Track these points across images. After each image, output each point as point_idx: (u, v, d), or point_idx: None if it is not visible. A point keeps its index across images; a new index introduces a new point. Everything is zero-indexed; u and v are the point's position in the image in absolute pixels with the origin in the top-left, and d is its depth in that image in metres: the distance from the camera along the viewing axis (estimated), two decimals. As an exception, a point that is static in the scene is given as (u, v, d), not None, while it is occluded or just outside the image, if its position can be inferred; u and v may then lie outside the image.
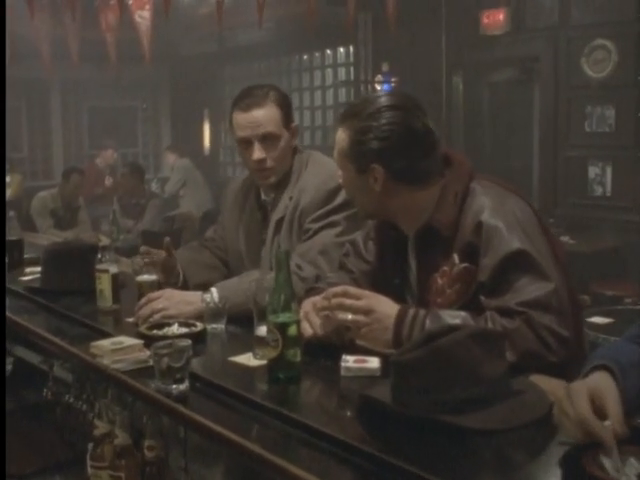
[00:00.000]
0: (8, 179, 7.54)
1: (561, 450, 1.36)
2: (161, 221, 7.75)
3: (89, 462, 1.92)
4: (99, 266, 2.43)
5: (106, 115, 11.21)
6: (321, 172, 2.48)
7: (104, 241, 2.48)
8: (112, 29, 7.83)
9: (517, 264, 1.79)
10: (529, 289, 1.76)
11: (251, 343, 1.94)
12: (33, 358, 2.50)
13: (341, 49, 9.20)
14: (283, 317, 1.71)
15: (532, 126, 7.06)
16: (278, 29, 8.84)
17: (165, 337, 2.00)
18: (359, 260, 2.18)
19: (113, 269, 2.43)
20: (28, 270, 3.06)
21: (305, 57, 9.85)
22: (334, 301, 1.86)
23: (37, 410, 2.49)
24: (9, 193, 7.54)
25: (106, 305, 2.44)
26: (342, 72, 9.25)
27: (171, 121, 11.76)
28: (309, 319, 1.91)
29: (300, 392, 1.77)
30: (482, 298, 1.83)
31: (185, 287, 2.52)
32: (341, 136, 1.97)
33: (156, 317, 2.19)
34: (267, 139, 2.46)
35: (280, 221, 2.51)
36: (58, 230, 6.78)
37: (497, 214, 1.86)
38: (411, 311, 1.84)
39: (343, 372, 1.76)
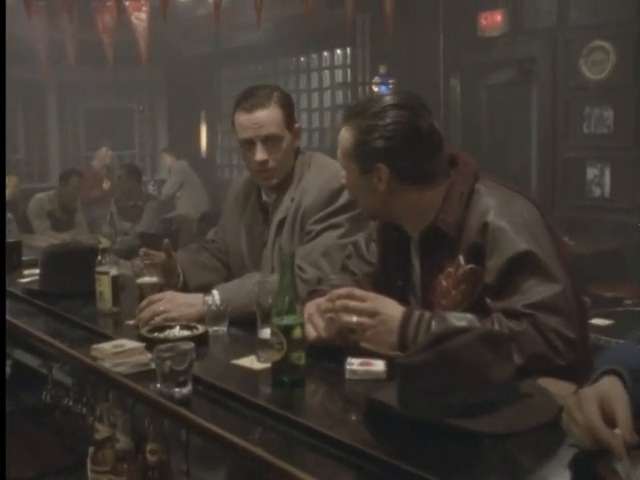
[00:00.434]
0: (5, 180, 7.51)
1: (570, 454, 1.34)
2: (159, 223, 7.74)
3: (90, 466, 1.90)
4: (99, 268, 2.41)
5: (103, 117, 11.19)
6: (323, 173, 2.46)
7: (104, 243, 2.45)
8: (109, 30, 7.79)
9: (524, 265, 1.77)
10: (536, 291, 1.75)
11: (254, 346, 1.92)
12: (32, 361, 2.48)
13: (338, 51, 9.19)
14: (288, 319, 1.69)
15: (530, 128, 7.05)
16: (275, 31, 8.83)
17: (167, 340, 1.98)
18: (361, 262, 2.16)
19: (113, 271, 2.41)
20: (26, 272, 3.04)
21: (302, 59, 9.83)
22: (338, 303, 1.84)
23: (36, 413, 2.47)
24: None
25: (106, 307, 2.41)
26: (339, 74, 9.23)
27: (168, 123, 11.73)
28: (313, 321, 1.89)
29: (305, 395, 1.75)
30: (488, 300, 1.81)
31: (185, 289, 2.50)
32: (345, 135, 1.95)
33: (157, 320, 2.17)
34: (270, 140, 2.44)
35: (282, 222, 2.50)
36: (55, 232, 6.75)
37: (503, 215, 1.84)
38: (416, 313, 1.83)
39: (348, 375, 1.74)
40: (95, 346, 1.95)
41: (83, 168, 8.90)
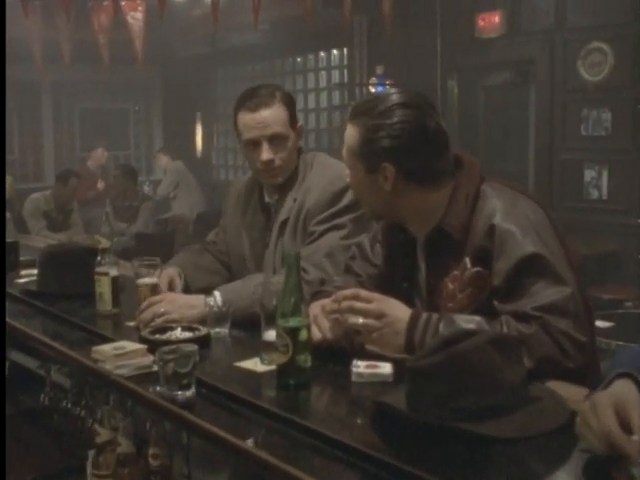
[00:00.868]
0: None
1: (582, 459, 1.33)
2: (154, 224, 7.71)
3: (90, 470, 1.87)
4: (99, 269, 2.38)
5: (98, 117, 11.14)
6: (326, 173, 2.43)
7: (104, 243, 2.43)
8: (105, 30, 7.76)
9: (532, 268, 1.75)
10: (545, 293, 1.72)
11: (256, 348, 1.90)
12: (29, 363, 2.45)
13: (335, 51, 9.17)
14: (293, 321, 1.67)
15: (528, 129, 7.04)
16: (272, 31, 8.81)
17: (169, 342, 1.95)
18: (366, 263, 2.13)
19: (113, 272, 2.38)
20: (23, 272, 3.02)
21: (299, 59, 9.81)
22: (344, 304, 1.82)
23: (34, 416, 2.44)
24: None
25: (106, 309, 2.39)
26: (336, 75, 9.21)
27: (163, 123, 11.68)
28: (318, 323, 1.86)
29: (310, 398, 1.73)
30: (495, 303, 1.79)
31: (187, 292, 2.47)
32: (351, 134, 1.92)
33: (158, 321, 2.14)
34: (275, 139, 2.41)
35: (284, 223, 2.47)
36: (51, 232, 6.72)
37: (510, 217, 1.82)
38: (424, 315, 1.80)
39: (354, 378, 1.72)
40: (96, 348, 1.92)
41: (78, 168, 8.86)
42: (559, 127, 6.53)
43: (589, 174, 6.33)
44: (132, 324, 2.24)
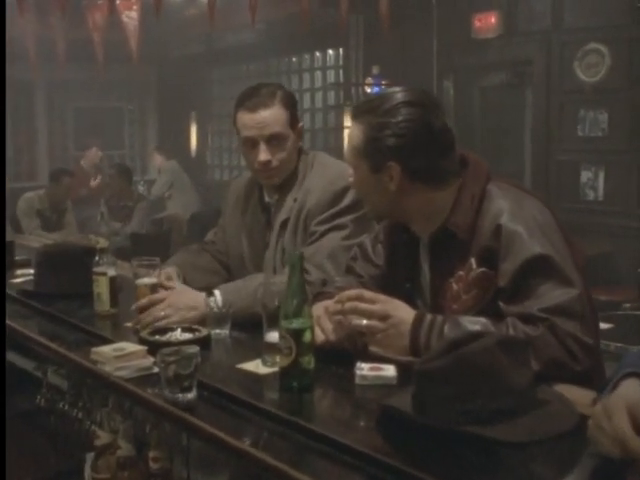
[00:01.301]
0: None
1: (592, 463, 1.31)
2: (149, 223, 7.67)
3: (90, 473, 1.85)
4: (96, 269, 2.36)
5: (92, 116, 11.10)
6: (327, 173, 2.41)
7: (102, 243, 2.40)
8: (99, 29, 7.74)
9: (539, 269, 1.73)
10: (552, 295, 1.70)
11: (257, 349, 1.87)
12: (25, 364, 2.42)
13: (330, 51, 9.15)
14: (297, 323, 1.64)
15: (524, 130, 7.04)
16: (267, 31, 8.79)
17: (170, 343, 1.92)
18: (368, 264, 2.11)
19: (111, 272, 2.35)
20: (19, 272, 2.99)
21: (294, 59, 9.78)
22: (348, 305, 1.79)
23: (30, 417, 2.41)
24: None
25: (104, 309, 2.36)
26: (331, 74, 9.19)
27: (158, 123, 11.66)
28: (321, 324, 1.83)
29: (314, 401, 1.70)
30: (501, 304, 1.77)
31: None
32: (355, 132, 1.89)
33: (158, 325, 2.11)
34: (274, 140, 2.38)
35: (284, 223, 2.44)
36: (45, 232, 6.67)
37: (516, 218, 1.79)
38: (428, 317, 1.78)
39: (358, 380, 1.70)
40: (95, 349, 1.89)
41: (72, 168, 8.82)
42: (556, 128, 6.53)
43: (585, 175, 6.33)
44: (130, 324, 2.21)
